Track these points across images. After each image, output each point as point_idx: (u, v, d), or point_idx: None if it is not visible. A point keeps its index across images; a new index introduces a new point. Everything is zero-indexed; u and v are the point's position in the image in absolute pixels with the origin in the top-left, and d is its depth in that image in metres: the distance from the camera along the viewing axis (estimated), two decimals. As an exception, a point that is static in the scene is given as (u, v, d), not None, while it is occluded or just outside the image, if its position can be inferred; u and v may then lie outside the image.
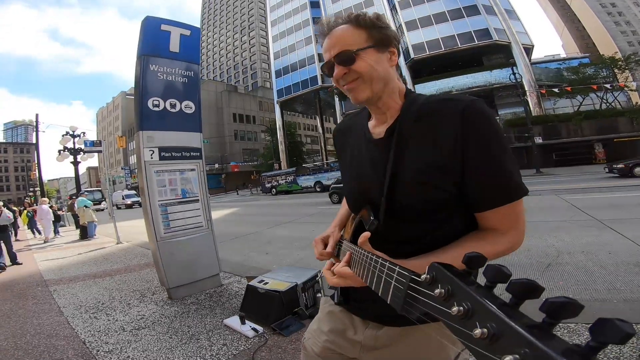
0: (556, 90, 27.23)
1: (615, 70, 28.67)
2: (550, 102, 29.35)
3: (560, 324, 2.34)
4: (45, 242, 10.54)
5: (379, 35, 0.80)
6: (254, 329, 2.71)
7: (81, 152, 12.81)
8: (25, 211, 13.62)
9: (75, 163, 12.98)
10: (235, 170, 50.62)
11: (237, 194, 37.62)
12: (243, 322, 2.80)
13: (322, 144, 47.31)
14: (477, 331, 0.32)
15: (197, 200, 3.96)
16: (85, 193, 12.13)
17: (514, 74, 22.40)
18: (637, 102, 28.47)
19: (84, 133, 12.86)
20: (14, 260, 6.93)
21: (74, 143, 12.75)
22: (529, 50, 31.59)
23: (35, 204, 15.13)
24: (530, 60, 31.42)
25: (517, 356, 0.28)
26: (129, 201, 32.16)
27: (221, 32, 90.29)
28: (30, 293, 4.61)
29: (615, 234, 4.80)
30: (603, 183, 11.53)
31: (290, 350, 2.42)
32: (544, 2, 79.74)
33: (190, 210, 3.87)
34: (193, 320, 3.10)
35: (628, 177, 12.58)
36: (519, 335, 0.29)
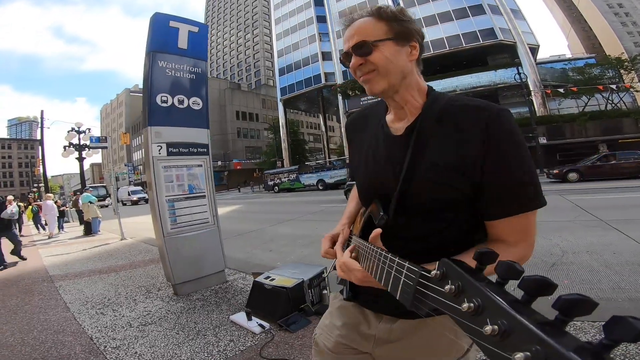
0: (561, 90, 27.04)
1: (622, 71, 28.42)
2: (555, 102, 29.16)
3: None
4: (49, 237, 10.61)
5: (400, 28, 0.79)
6: (261, 325, 2.72)
7: (86, 148, 12.85)
8: (30, 207, 13.69)
9: (81, 159, 13.04)
10: (238, 167, 50.69)
11: (239, 191, 37.72)
12: (249, 318, 2.81)
13: (325, 142, 47.22)
14: (488, 328, 0.32)
15: (204, 196, 3.98)
16: (90, 189, 12.17)
17: (519, 73, 22.28)
18: (643, 103, 28.28)
19: (89, 129, 12.91)
20: (18, 255, 6.91)
21: (79, 139, 12.80)
22: (534, 50, 31.35)
23: (39, 200, 15.20)
24: (535, 60, 31.20)
25: (528, 353, 0.27)
26: (135, 197, 31.89)
27: (225, 29, 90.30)
28: (36, 289, 4.64)
29: (619, 234, 4.79)
30: (605, 184, 11.47)
31: (297, 346, 2.43)
32: (550, 2, 79.21)
33: (196, 206, 3.89)
34: (199, 316, 3.11)
35: (564, 182, 13.47)
36: (530, 332, 0.28)
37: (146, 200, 27.55)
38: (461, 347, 0.82)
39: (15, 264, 6.58)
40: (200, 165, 3.98)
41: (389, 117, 0.89)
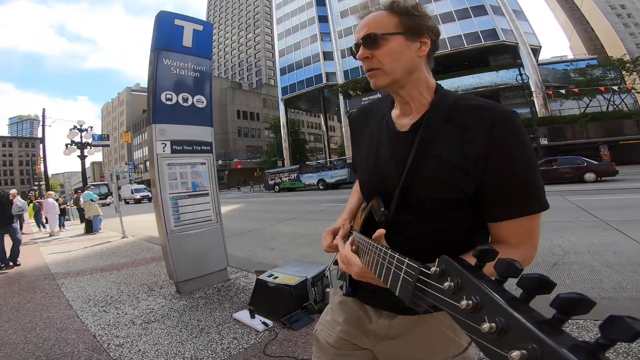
0: (563, 91, 27.05)
1: (623, 72, 28.43)
2: (556, 103, 29.16)
3: (569, 320, 2.35)
4: (50, 235, 10.61)
5: (410, 23, 0.79)
6: (264, 323, 2.72)
7: (88, 146, 12.87)
8: (31, 204, 13.70)
9: (83, 157, 13.05)
10: (239, 167, 50.75)
11: (239, 190, 37.75)
12: (253, 316, 2.81)
13: (326, 142, 47.26)
14: (486, 325, 0.32)
15: (207, 194, 3.98)
16: (92, 187, 12.17)
17: (520, 74, 22.24)
18: (644, 105, 28.26)
19: (91, 127, 12.93)
20: (14, 259, 6.14)
21: (81, 137, 12.82)
22: (536, 51, 31.34)
23: (40, 197, 15.23)
24: (537, 61, 31.18)
25: (524, 352, 0.27)
26: (138, 196, 31.48)
27: (226, 29, 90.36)
28: (38, 286, 4.63)
29: (620, 234, 4.81)
30: (608, 185, 11.46)
31: (301, 344, 2.43)
32: (552, 3, 79.16)
33: (200, 203, 3.89)
34: (202, 314, 3.11)
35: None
36: (527, 331, 0.29)
37: (149, 199, 27.34)
38: (460, 345, 0.82)
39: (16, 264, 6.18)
40: (204, 163, 3.99)
41: (394, 113, 0.89)
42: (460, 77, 30.74)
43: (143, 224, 11.39)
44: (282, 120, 46.51)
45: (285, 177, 28.30)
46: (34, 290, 4.46)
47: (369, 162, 0.90)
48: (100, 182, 37.51)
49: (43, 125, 18.31)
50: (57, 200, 11.85)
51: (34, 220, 13.51)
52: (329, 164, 30.54)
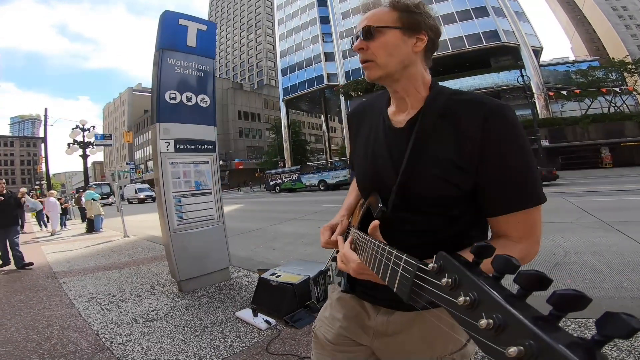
0: (564, 93, 27.04)
1: (625, 74, 28.41)
2: (557, 104, 29.14)
3: (571, 319, 2.36)
4: (52, 234, 10.63)
5: (409, 19, 0.79)
6: (267, 322, 2.73)
7: (91, 146, 12.90)
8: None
9: (85, 156, 13.08)
10: (239, 167, 50.79)
11: (239, 190, 37.75)
12: (255, 315, 2.81)
13: (327, 143, 47.30)
14: (483, 322, 0.32)
15: (210, 193, 3.99)
16: (93, 186, 12.21)
17: (522, 76, 22.23)
18: (645, 106, 28.22)
19: (93, 127, 12.96)
20: (19, 263, 5.79)
21: (83, 137, 12.85)
22: (537, 52, 31.31)
23: (42, 197, 15.25)
24: (538, 62, 31.16)
25: (521, 348, 0.28)
26: (142, 195, 31.10)
27: (228, 29, 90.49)
28: (40, 285, 4.63)
29: (621, 235, 4.82)
30: (608, 186, 11.45)
31: (303, 342, 2.44)
32: (554, 5, 79.15)
33: (203, 202, 3.90)
34: (205, 313, 3.12)
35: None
36: (524, 327, 0.29)
37: (153, 199, 26.97)
38: (458, 341, 0.82)
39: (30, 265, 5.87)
40: (207, 162, 4.00)
41: (390, 110, 0.89)
42: (461, 79, 30.73)
43: (145, 223, 11.42)
44: (283, 121, 46.56)
45: (286, 177, 28.31)
46: (36, 288, 4.46)
47: (366, 159, 0.90)
48: (102, 182, 37.40)
49: (45, 125, 18.34)
50: (59, 199, 11.87)
51: (35, 219, 13.54)
52: (329, 164, 30.59)
